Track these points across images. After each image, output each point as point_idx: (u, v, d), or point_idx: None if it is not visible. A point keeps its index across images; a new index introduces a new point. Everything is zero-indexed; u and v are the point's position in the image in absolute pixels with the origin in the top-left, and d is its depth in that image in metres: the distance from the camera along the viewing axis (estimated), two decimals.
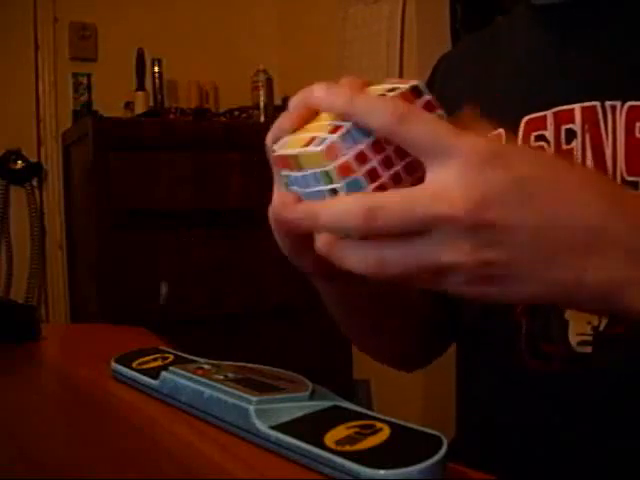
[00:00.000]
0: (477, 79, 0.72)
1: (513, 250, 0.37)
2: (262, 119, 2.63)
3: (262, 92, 2.64)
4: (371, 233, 0.38)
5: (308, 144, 0.40)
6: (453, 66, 0.78)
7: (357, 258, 0.39)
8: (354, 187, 0.38)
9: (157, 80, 2.62)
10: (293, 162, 0.41)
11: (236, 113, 2.69)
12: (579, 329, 0.58)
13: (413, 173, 0.39)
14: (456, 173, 0.37)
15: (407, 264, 0.38)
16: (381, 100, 0.39)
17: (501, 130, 0.63)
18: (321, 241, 0.40)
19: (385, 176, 0.38)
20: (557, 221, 0.38)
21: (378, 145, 0.38)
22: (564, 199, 0.38)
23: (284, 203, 0.43)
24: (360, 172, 0.38)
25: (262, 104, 2.64)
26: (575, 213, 0.38)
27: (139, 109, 2.56)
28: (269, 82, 2.66)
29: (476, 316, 0.67)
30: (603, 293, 0.39)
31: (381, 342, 0.74)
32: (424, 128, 0.37)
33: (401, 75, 2.25)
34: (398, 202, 0.37)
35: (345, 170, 0.38)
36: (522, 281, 0.38)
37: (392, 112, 0.37)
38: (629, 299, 0.39)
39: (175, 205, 2.32)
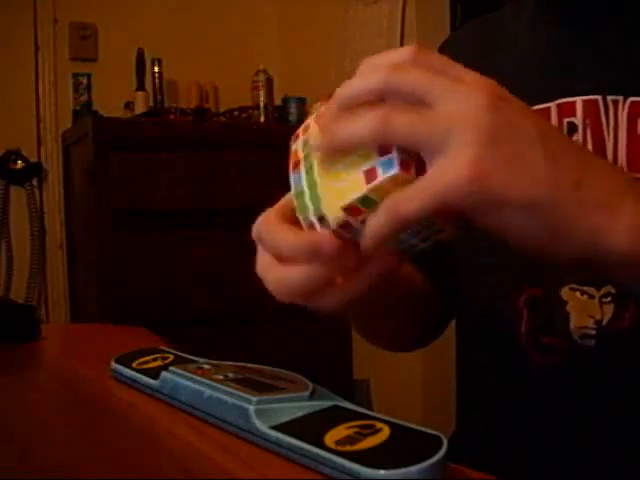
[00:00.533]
0: (480, 66, 0.72)
1: (522, 141, 0.38)
2: (262, 119, 2.63)
3: (262, 92, 2.64)
4: (387, 138, 0.38)
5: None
6: (460, 46, 0.77)
7: (362, 121, 0.39)
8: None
9: (157, 80, 2.62)
10: (361, 208, 0.40)
11: (236, 113, 2.69)
12: (581, 322, 0.58)
13: None
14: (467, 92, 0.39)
15: (418, 120, 0.38)
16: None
17: None
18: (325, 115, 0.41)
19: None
20: (563, 138, 0.42)
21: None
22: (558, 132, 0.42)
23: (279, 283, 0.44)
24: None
25: (262, 104, 2.64)
26: (572, 148, 0.42)
27: (139, 109, 2.56)
28: (269, 82, 2.66)
29: (478, 308, 0.67)
30: (598, 206, 0.40)
31: (387, 331, 0.74)
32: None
33: None
34: (411, 111, 0.39)
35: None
36: (525, 172, 0.38)
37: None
38: (615, 223, 0.40)
39: (175, 205, 2.32)
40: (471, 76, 0.40)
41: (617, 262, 0.41)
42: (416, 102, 0.39)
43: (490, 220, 0.39)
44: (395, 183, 0.38)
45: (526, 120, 0.39)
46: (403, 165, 0.38)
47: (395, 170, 0.38)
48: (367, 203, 0.39)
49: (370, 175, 0.38)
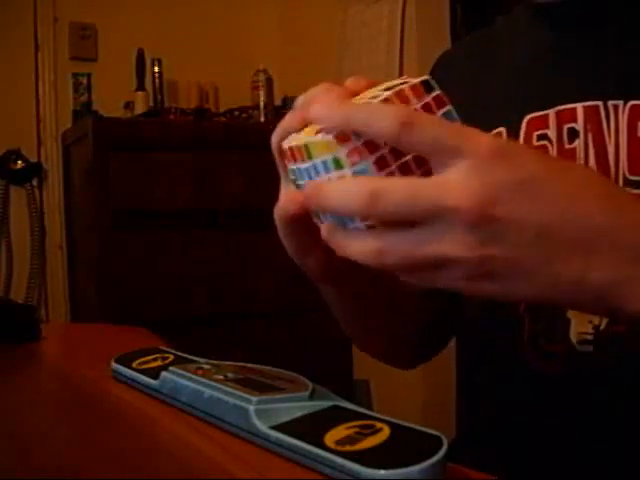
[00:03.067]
0: (478, 78, 0.72)
1: (516, 247, 0.37)
2: (262, 119, 2.63)
3: (262, 92, 2.64)
4: (372, 216, 0.38)
5: (317, 134, 0.40)
6: (453, 64, 0.77)
7: (357, 245, 0.39)
8: (362, 174, 0.38)
9: (157, 80, 2.62)
10: (303, 152, 0.41)
11: (236, 113, 2.69)
12: (581, 328, 0.58)
13: (422, 166, 0.39)
14: (462, 170, 0.37)
15: (406, 254, 0.38)
16: (379, 111, 0.38)
17: (502, 129, 0.63)
18: (325, 228, 0.41)
19: (394, 165, 0.38)
20: (560, 220, 0.38)
21: None
22: (567, 198, 0.38)
23: (291, 200, 0.44)
24: (369, 159, 0.38)
25: (262, 104, 2.64)
26: (577, 213, 0.38)
27: (139, 109, 2.56)
28: (269, 82, 2.66)
29: (478, 314, 0.67)
30: (605, 291, 0.39)
31: (382, 341, 0.74)
32: (427, 134, 0.37)
33: (401, 75, 2.25)
34: (402, 188, 0.37)
35: (355, 156, 0.38)
36: (523, 279, 0.38)
37: (393, 122, 0.37)
38: (630, 297, 0.39)
39: (175, 205, 2.32)
40: (459, 163, 0.37)
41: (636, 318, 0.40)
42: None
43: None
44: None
45: (522, 216, 0.37)
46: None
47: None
48: (308, 152, 0.41)
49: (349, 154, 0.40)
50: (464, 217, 0.36)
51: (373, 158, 0.38)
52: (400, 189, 0.37)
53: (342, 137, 0.39)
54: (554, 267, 0.38)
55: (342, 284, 0.55)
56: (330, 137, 0.39)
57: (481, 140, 0.37)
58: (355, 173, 0.38)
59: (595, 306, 0.40)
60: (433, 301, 0.72)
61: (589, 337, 0.58)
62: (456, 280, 0.38)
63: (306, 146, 0.41)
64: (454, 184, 0.37)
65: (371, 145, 0.38)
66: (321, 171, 0.40)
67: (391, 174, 0.38)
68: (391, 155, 0.38)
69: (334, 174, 0.40)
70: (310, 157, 0.41)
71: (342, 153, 0.39)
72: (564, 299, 0.39)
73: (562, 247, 0.38)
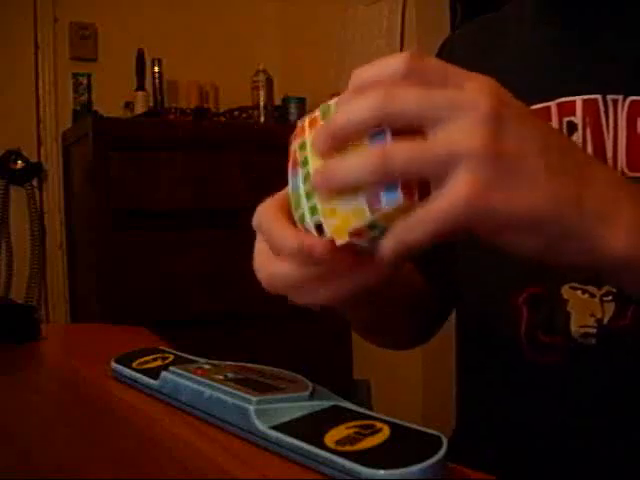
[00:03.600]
0: (480, 67, 0.72)
1: (523, 151, 0.38)
2: (262, 119, 2.63)
3: (262, 92, 2.64)
4: (387, 115, 0.38)
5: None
6: (456, 51, 0.77)
7: (357, 159, 0.38)
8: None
9: (157, 80, 2.62)
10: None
11: (236, 113, 2.69)
12: (582, 321, 0.58)
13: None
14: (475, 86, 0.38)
15: (415, 152, 0.37)
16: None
17: None
18: (318, 174, 0.40)
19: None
20: (561, 145, 0.41)
21: None
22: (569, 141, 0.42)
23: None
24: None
25: (262, 104, 2.64)
26: (578, 151, 0.43)
27: (139, 109, 2.56)
28: (269, 82, 2.66)
29: (477, 306, 0.67)
30: (597, 217, 0.40)
31: (382, 327, 0.74)
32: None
33: None
34: (417, 90, 0.38)
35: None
36: (526, 186, 0.38)
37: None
38: (613, 234, 0.40)
39: (175, 205, 2.33)
40: (470, 81, 0.39)
41: (616, 267, 0.41)
42: (416, 125, 0.38)
43: (492, 236, 0.40)
44: (399, 210, 0.38)
45: (527, 130, 0.39)
46: (406, 189, 0.38)
47: (399, 199, 0.38)
48: (371, 226, 0.39)
49: (373, 201, 0.38)
50: (480, 111, 0.37)
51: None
52: (407, 143, 0.38)
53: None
54: (554, 182, 0.38)
55: (356, 306, 0.55)
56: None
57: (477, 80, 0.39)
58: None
59: (584, 240, 0.40)
60: (430, 282, 0.72)
61: (592, 330, 0.58)
62: (464, 183, 0.37)
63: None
64: (468, 90, 0.38)
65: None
66: None
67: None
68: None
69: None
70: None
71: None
72: (560, 224, 0.39)
73: (562, 166, 0.39)
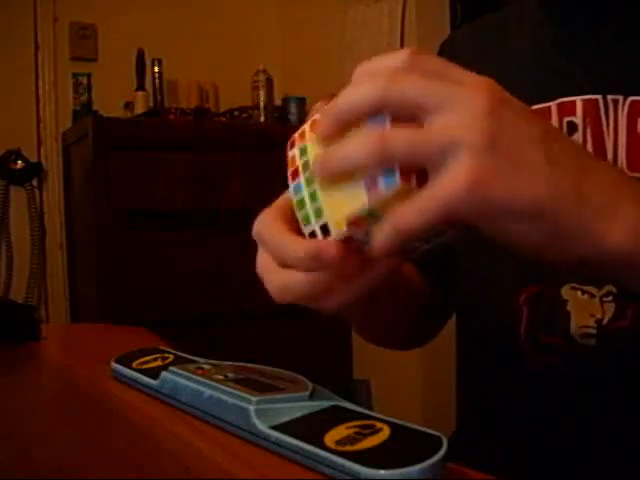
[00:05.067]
0: (479, 68, 0.72)
1: (522, 141, 0.38)
2: (262, 119, 2.63)
3: (262, 92, 2.64)
4: (387, 100, 0.38)
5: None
6: (457, 50, 0.77)
7: (356, 141, 0.38)
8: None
9: (157, 80, 2.62)
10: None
11: (236, 113, 2.69)
12: (582, 321, 0.58)
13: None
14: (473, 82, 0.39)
15: (413, 137, 0.37)
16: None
17: None
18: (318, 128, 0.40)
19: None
20: (560, 138, 0.41)
21: None
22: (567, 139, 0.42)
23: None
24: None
25: (262, 104, 2.64)
26: (576, 145, 0.43)
27: (139, 109, 2.56)
28: (269, 82, 2.66)
29: (477, 307, 0.67)
30: (596, 209, 0.39)
31: (382, 327, 0.74)
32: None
33: None
34: (417, 78, 0.38)
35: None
36: (525, 176, 0.38)
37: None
38: (613, 228, 0.40)
39: (175, 205, 2.33)
40: (470, 78, 0.39)
41: (615, 263, 0.41)
42: (415, 112, 0.38)
43: (491, 226, 0.39)
44: (398, 195, 0.38)
45: (526, 122, 0.39)
46: (404, 175, 0.38)
47: (397, 184, 0.38)
48: (370, 215, 0.39)
49: (372, 187, 0.38)
50: (479, 103, 0.37)
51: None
52: (406, 128, 0.38)
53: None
54: (554, 171, 0.38)
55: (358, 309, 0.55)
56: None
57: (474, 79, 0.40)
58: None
59: (584, 233, 0.40)
60: (431, 283, 0.72)
61: (592, 331, 0.58)
62: (464, 171, 0.37)
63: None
64: (467, 84, 0.38)
65: None
66: None
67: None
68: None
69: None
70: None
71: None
72: (560, 213, 0.39)
73: (561, 157, 0.39)
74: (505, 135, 0.37)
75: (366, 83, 0.39)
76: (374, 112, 0.38)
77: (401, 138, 0.37)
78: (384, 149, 0.37)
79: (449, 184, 0.37)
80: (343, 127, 0.39)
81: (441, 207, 0.37)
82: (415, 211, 0.37)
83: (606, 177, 0.42)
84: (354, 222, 0.40)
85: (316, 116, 0.42)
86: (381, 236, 0.39)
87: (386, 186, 0.38)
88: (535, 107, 0.62)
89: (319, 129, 0.40)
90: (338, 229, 0.40)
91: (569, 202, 0.39)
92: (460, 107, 0.37)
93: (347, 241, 0.41)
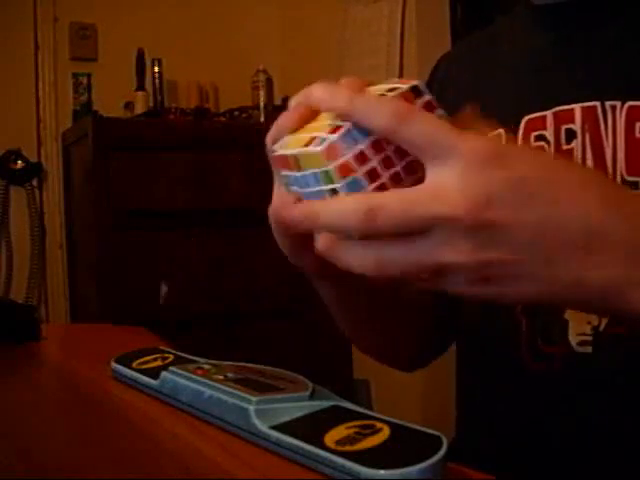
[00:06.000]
0: (477, 79, 0.72)
1: (513, 250, 0.37)
2: (262, 119, 2.63)
3: (262, 92, 2.64)
4: (370, 233, 0.38)
5: (308, 144, 0.40)
6: (452, 67, 0.77)
7: (356, 258, 0.39)
8: (354, 187, 0.38)
9: (157, 80, 2.62)
10: (293, 162, 0.41)
11: (236, 113, 2.69)
12: (579, 329, 0.58)
13: (413, 173, 0.39)
14: (456, 173, 0.37)
15: (406, 264, 0.38)
16: (381, 100, 0.39)
17: (501, 130, 0.63)
18: (320, 242, 0.40)
19: (385, 176, 0.38)
20: (557, 221, 0.38)
21: (378, 145, 0.38)
22: (564, 199, 0.38)
23: (284, 203, 0.44)
24: (360, 172, 0.38)
25: (262, 104, 2.64)
26: (575, 213, 0.38)
27: (139, 109, 2.56)
28: (269, 82, 2.66)
29: (476, 316, 0.67)
30: (603, 293, 0.39)
31: (382, 342, 0.74)
32: (424, 128, 0.37)
33: (401, 75, 2.25)
34: (398, 202, 0.37)
35: (345, 170, 0.38)
36: (522, 281, 0.38)
37: (392, 112, 0.37)
38: (629, 299, 0.39)
39: (175, 205, 2.32)
40: (459, 145, 0.37)
41: (636, 318, 0.40)
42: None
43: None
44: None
45: (520, 216, 0.37)
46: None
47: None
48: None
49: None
50: (461, 224, 0.36)
51: (363, 170, 0.38)
52: (395, 202, 0.37)
53: (332, 152, 0.38)
54: (553, 268, 0.38)
55: (340, 282, 0.55)
56: (319, 149, 0.39)
57: (477, 140, 0.37)
58: (347, 186, 0.38)
59: (597, 306, 0.40)
60: (433, 304, 0.72)
61: (588, 338, 0.58)
62: (455, 285, 0.38)
63: (296, 157, 0.41)
64: (449, 191, 0.37)
65: (360, 158, 0.38)
66: (311, 183, 0.40)
67: (383, 185, 0.38)
68: (382, 167, 0.38)
69: (324, 187, 0.39)
70: (300, 168, 0.41)
71: (332, 166, 0.39)
72: (565, 299, 0.39)
73: (560, 248, 0.38)
74: (495, 250, 0.37)
75: (347, 210, 0.38)
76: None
77: (392, 249, 0.38)
78: (369, 228, 0.37)
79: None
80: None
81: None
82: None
83: (613, 251, 0.39)
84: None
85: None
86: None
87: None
88: (533, 115, 0.62)
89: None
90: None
91: (568, 292, 0.39)
92: (445, 229, 0.37)
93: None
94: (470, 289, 0.38)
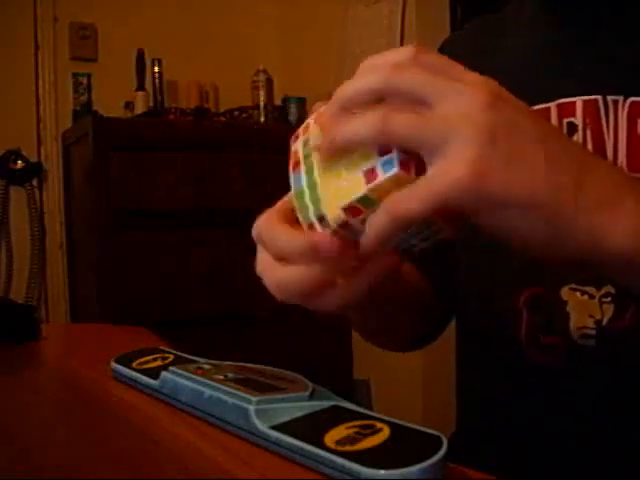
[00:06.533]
0: (480, 68, 0.72)
1: (521, 138, 0.38)
2: (262, 119, 2.63)
3: (262, 92, 2.64)
4: (390, 88, 0.39)
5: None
6: (458, 50, 0.77)
7: (361, 121, 0.39)
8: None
9: (157, 80, 2.62)
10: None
11: (236, 113, 2.69)
12: (581, 322, 0.58)
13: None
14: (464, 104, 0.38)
15: (414, 120, 0.38)
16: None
17: None
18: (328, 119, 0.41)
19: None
20: (559, 140, 0.41)
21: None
22: (555, 134, 0.42)
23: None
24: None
25: (262, 104, 2.64)
26: (574, 143, 0.43)
27: (139, 109, 2.56)
28: (269, 82, 2.66)
29: (477, 308, 0.67)
30: (596, 205, 0.39)
31: (381, 328, 0.74)
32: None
33: None
34: (421, 71, 0.39)
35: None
36: (524, 171, 0.38)
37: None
38: (612, 229, 0.39)
39: (175, 205, 2.32)
40: (471, 76, 0.40)
41: (616, 262, 0.41)
42: (416, 102, 0.39)
43: (490, 220, 0.39)
44: (395, 183, 0.38)
45: (526, 119, 0.39)
46: (403, 165, 0.38)
47: (395, 170, 0.38)
48: (367, 203, 0.39)
49: (370, 175, 0.38)
50: (480, 98, 0.38)
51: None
52: (408, 111, 0.38)
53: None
54: (553, 167, 0.39)
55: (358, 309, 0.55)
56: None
57: (478, 77, 0.40)
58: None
59: (584, 229, 0.39)
60: (432, 282, 0.72)
61: (591, 332, 0.58)
62: (464, 162, 0.37)
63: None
64: (468, 81, 0.39)
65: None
66: None
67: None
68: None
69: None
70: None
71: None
72: (559, 206, 0.39)
73: (561, 155, 0.39)
74: (504, 130, 0.38)
75: (370, 73, 0.40)
76: (377, 99, 0.39)
77: (403, 118, 0.38)
78: (385, 125, 0.38)
79: (448, 173, 0.37)
80: (346, 115, 0.40)
81: (438, 196, 0.37)
82: (411, 198, 0.37)
83: (607, 175, 0.42)
84: (350, 210, 0.39)
85: (321, 108, 0.43)
86: (375, 221, 0.39)
87: (384, 173, 0.38)
88: (535, 108, 0.62)
89: (321, 117, 0.41)
90: (335, 217, 0.40)
91: (568, 197, 0.39)
92: (461, 100, 0.38)
93: (344, 227, 0.40)
94: (472, 170, 0.37)
